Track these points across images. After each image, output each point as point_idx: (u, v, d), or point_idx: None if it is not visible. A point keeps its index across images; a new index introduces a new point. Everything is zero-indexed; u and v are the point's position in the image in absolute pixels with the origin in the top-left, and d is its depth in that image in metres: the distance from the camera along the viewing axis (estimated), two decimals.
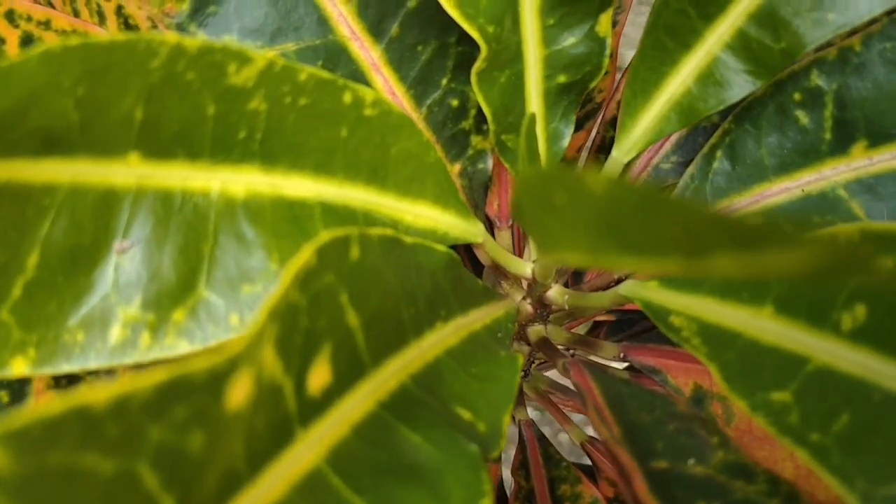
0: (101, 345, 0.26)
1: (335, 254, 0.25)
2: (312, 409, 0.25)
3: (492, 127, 0.37)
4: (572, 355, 0.47)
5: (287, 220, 0.29)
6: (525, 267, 0.40)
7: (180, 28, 0.34)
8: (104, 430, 0.16)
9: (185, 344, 0.27)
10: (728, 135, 0.37)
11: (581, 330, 0.58)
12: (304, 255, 0.23)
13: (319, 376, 0.25)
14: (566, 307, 0.39)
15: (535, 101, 0.38)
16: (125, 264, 0.26)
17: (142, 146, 0.26)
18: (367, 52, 0.37)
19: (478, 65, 0.34)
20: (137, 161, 0.26)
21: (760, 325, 0.30)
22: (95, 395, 0.16)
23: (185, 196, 0.27)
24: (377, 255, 0.28)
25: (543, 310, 0.42)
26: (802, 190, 0.36)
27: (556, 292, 0.40)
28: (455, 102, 0.39)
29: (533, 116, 0.34)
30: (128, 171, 0.26)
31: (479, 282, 0.37)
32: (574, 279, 0.49)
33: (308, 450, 0.24)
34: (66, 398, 0.15)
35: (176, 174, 0.27)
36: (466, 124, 0.40)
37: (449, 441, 0.27)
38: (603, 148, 0.48)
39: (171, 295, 0.27)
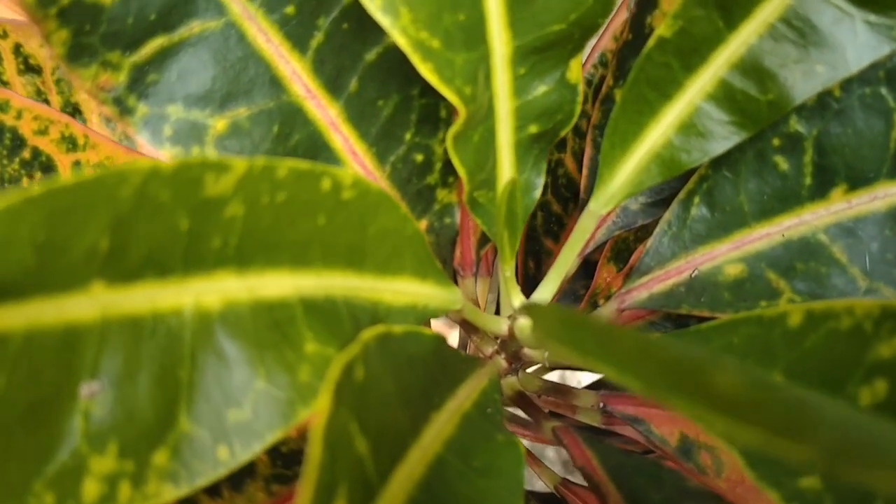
0: None
1: (345, 385, 0.22)
2: None
3: (466, 188, 0.35)
4: (550, 413, 0.46)
5: (269, 328, 0.26)
6: (501, 325, 0.38)
7: (118, 102, 0.30)
8: None
9: (170, 489, 0.24)
10: (705, 181, 0.36)
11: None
12: (324, 403, 0.20)
13: None
14: (546, 363, 0.38)
15: (505, 154, 0.36)
16: (95, 410, 0.23)
17: (106, 274, 0.22)
18: (324, 111, 0.34)
19: (455, 129, 0.32)
20: (101, 290, 0.22)
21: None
22: None
23: (155, 318, 0.24)
24: (377, 364, 0.26)
25: (517, 363, 0.40)
26: (783, 235, 0.36)
27: (533, 352, 0.38)
28: (420, 157, 0.37)
29: (513, 181, 0.32)
30: (91, 303, 0.22)
31: (460, 353, 0.35)
32: None
33: None
34: None
35: (144, 296, 0.24)
36: (432, 179, 0.37)
37: None
38: (568, 188, 0.46)
39: (150, 435, 0.23)
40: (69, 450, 0.22)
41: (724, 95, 0.32)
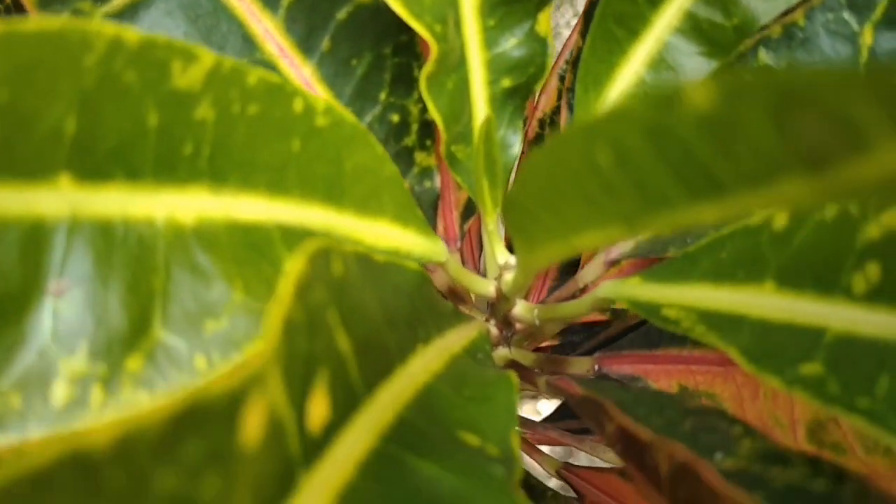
0: (42, 407, 0.21)
1: (322, 267, 0.22)
2: (314, 448, 0.21)
3: (443, 136, 0.34)
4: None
5: (245, 247, 0.26)
6: (488, 285, 0.37)
7: None
8: (106, 479, 0.12)
9: (146, 396, 0.23)
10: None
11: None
12: (298, 263, 0.19)
13: (319, 409, 0.21)
14: (536, 322, 0.37)
15: (481, 108, 0.36)
16: (64, 309, 0.22)
17: (74, 166, 0.22)
18: (298, 70, 0.35)
19: (428, 68, 0.32)
20: (69, 184, 0.22)
21: (764, 303, 0.28)
22: (95, 436, 0.12)
23: (127, 225, 0.23)
24: (357, 273, 0.25)
25: (508, 330, 0.39)
26: None
27: (522, 308, 0.37)
28: (396, 118, 0.37)
29: (489, 119, 0.32)
30: (59, 198, 0.22)
31: (448, 302, 0.34)
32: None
33: (314, 498, 0.20)
34: (60, 441, 0.12)
35: (115, 200, 0.23)
36: (409, 141, 0.37)
37: (468, 467, 0.24)
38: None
39: (123, 340, 0.23)
40: (36, 349, 0.21)
41: (691, 27, 0.33)
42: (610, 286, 0.33)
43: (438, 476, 0.23)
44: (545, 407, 0.99)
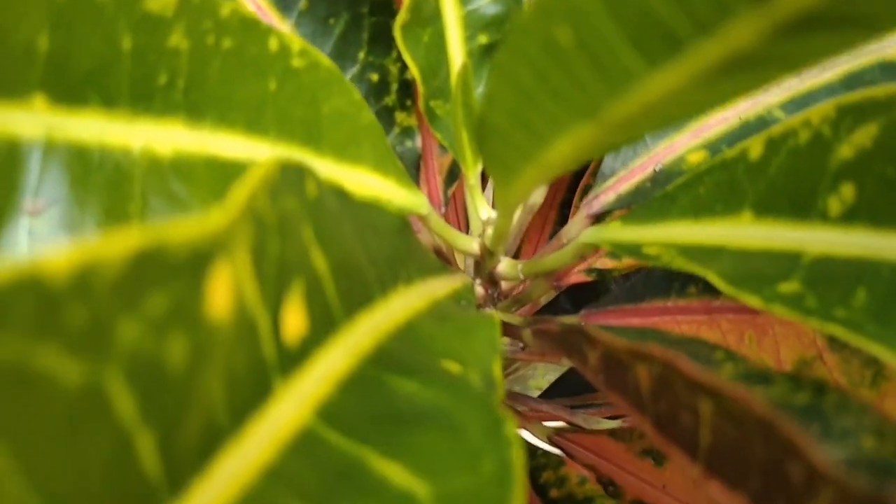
0: None
1: (295, 181, 0.22)
2: (290, 360, 0.21)
3: (421, 91, 0.35)
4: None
5: (223, 181, 0.26)
6: (472, 242, 0.37)
7: None
8: (65, 314, 0.12)
9: None
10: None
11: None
12: (267, 165, 0.19)
13: (294, 321, 0.21)
14: (520, 276, 0.37)
15: (458, 63, 0.36)
16: (40, 228, 0.22)
17: (48, 87, 0.22)
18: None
19: (401, 16, 0.32)
20: (44, 106, 0.22)
21: (743, 233, 0.28)
22: (52, 264, 0.12)
23: (103, 152, 0.23)
24: (334, 202, 0.25)
25: (494, 289, 0.39)
26: (740, 118, 0.36)
27: (506, 265, 0.38)
28: (375, 77, 0.37)
29: (466, 67, 0.32)
30: (34, 120, 0.22)
31: (430, 253, 0.34)
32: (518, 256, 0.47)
33: (293, 406, 0.20)
34: (16, 266, 0.12)
35: (91, 126, 0.23)
36: (389, 100, 0.37)
37: (448, 386, 0.24)
38: None
39: None
40: None
41: None
42: (592, 231, 0.33)
43: (418, 392, 0.23)
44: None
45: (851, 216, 0.26)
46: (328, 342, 0.23)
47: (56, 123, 0.22)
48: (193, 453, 0.17)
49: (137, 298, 0.13)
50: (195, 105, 0.25)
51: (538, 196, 0.42)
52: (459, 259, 0.43)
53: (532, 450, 0.41)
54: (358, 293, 0.25)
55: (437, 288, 0.32)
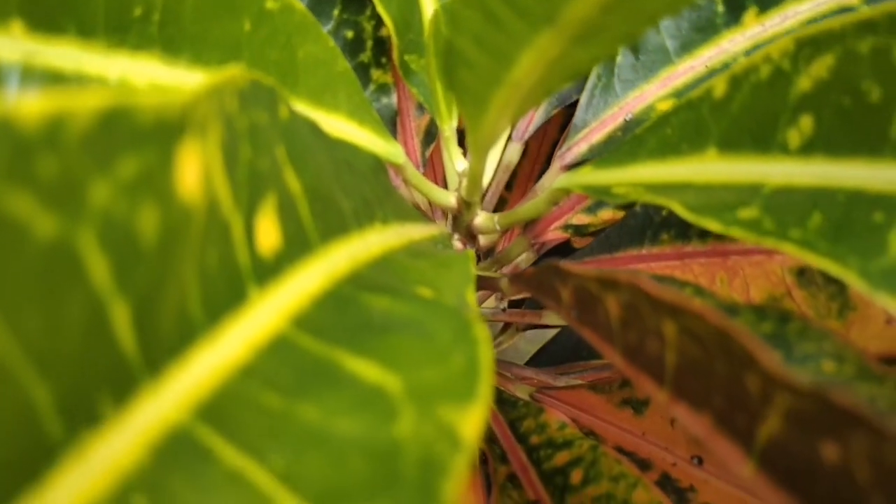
0: None
1: (267, 99, 0.22)
2: (265, 271, 0.21)
3: (395, 44, 0.35)
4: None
5: None
6: (449, 196, 0.38)
7: None
8: (37, 164, 0.13)
9: None
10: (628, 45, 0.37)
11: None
12: (237, 72, 0.20)
13: (268, 233, 0.22)
14: (497, 228, 0.38)
15: (431, 13, 0.37)
16: None
17: (26, 13, 0.22)
18: None
19: None
20: (21, 32, 0.22)
21: (707, 169, 0.29)
22: (24, 111, 0.12)
23: (80, 81, 0.24)
24: (307, 131, 0.26)
25: (472, 244, 0.40)
26: (706, 66, 0.37)
27: (483, 218, 0.38)
28: (350, 34, 0.38)
29: (438, 14, 0.33)
30: (11, 45, 0.22)
31: (406, 201, 0.35)
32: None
33: (267, 314, 0.21)
34: None
35: (68, 55, 0.24)
36: (365, 57, 0.38)
37: (421, 303, 0.24)
38: None
39: None
40: None
41: None
42: (564, 177, 0.34)
43: (391, 307, 0.24)
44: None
45: (810, 147, 0.27)
46: (303, 262, 0.23)
47: (34, 50, 0.23)
48: (168, 339, 0.17)
49: (108, 159, 0.14)
50: (171, 40, 0.26)
51: (513, 153, 0.43)
52: (438, 217, 0.44)
53: (513, 402, 0.41)
54: (333, 222, 0.26)
55: (413, 232, 0.32)
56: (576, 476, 0.35)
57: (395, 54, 0.36)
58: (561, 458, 0.36)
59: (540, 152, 0.54)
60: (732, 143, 0.29)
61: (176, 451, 0.16)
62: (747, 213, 0.26)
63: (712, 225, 0.26)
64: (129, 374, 0.16)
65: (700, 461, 0.37)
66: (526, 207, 0.36)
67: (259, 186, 0.21)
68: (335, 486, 0.16)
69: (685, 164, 0.30)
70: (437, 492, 0.16)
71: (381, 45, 0.38)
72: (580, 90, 0.42)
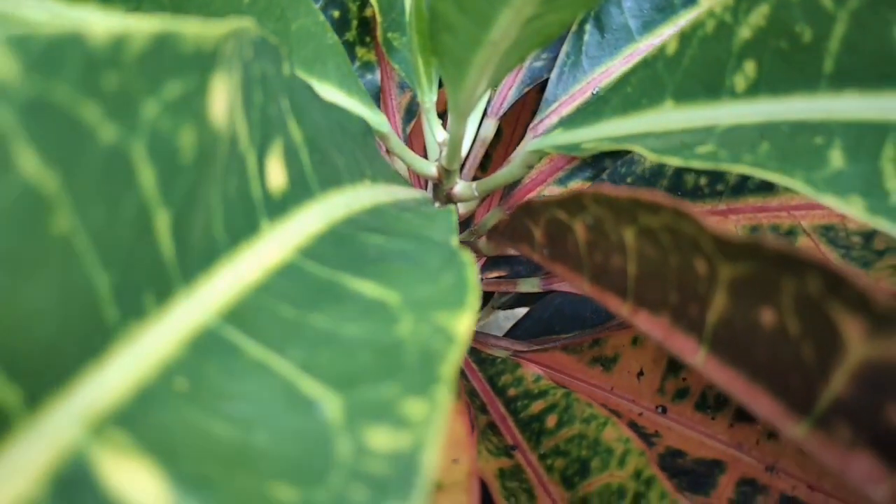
0: None
1: (272, 55, 0.25)
2: (274, 207, 0.24)
3: (379, 20, 0.38)
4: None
5: None
6: (430, 166, 0.41)
7: None
8: (102, 76, 0.15)
9: None
10: (592, 8, 0.40)
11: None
12: (249, 25, 0.22)
13: (276, 174, 0.24)
14: (475, 194, 0.40)
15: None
16: None
17: None
18: None
19: None
20: None
21: (665, 118, 0.32)
22: (93, 26, 0.15)
23: None
24: (304, 88, 0.28)
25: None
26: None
27: (462, 186, 0.41)
28: (336, 14, 0.40)
29: None
30: (39, 5, 0.25)
31: (391, 166, 0.37)
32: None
33: (277, 245, 0.23)
34: (64, 24, 0.15)
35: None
36: (350, 36, 0.41)
37: (411, 239, 0.27)
38: None
39: None
40: None
41: None
42: (536, 141, 0.37)
43: (385, 243, 0.26)
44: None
45: (755, 89, 0.30)
46: (304, 205, 0.26)
47: (59, 12, 0.25)
48: (198, 253, 0.20)
49: (157, 79, 0.16)
50: (179, 7, 0.28)
51: (489, 129, 0.46)
52: (419, 187, 0.46)
53: (492, 360, 0.44)
54: (329, 174, 0.28)
55: (399, 192, 0.35)
56: (550, 421, 0.38)
57: (378, 32, 0.38)
58: (537, 406, 0.39)
59: (514, 134, 0.57)
60: (686, 94, 0.32)
61: (207, 346, 0.19)
62: (704, 149, 0.29)
63: (673, 161, 0.29)
64: (167, 277, 0.18)
65: (664, 410, 0.40)
66: (503, 173, 0.39)
67: (269, 130, 0.24)
68: (348, 373, 0.19)
69: (645, 116, 0.33)
70: (437, 373, 0.18)
71: (366, 25, 0.41)
72: (550, 69, 0.45)
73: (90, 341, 0.16)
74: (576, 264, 0.29)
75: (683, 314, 0.24)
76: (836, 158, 0.27)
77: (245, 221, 0.22)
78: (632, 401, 0.42)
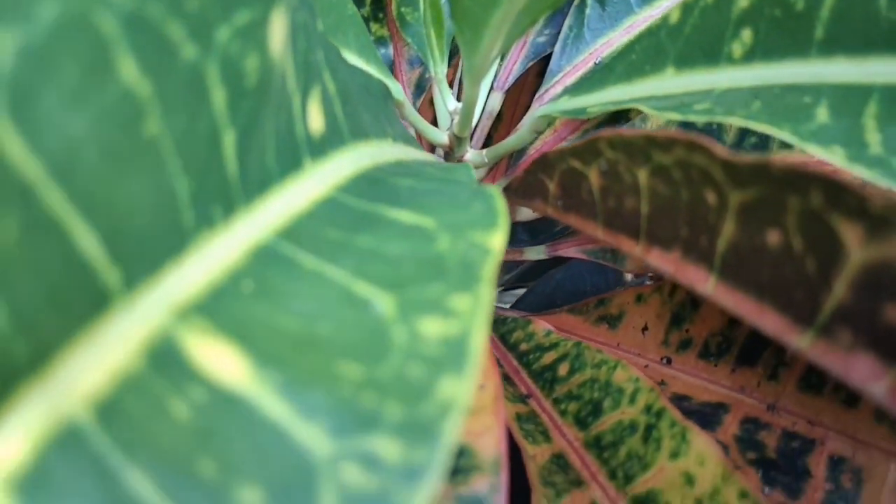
0: None
1: (307, 10, 0.27)
2: (314, 148, 0.26)
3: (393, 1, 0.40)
4: None
5: None
6: (441, 134, 0.43)
7: None
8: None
9: None
10: None
11: None
12: None
13: (315, 118, 0.26)
14: (485, 160, 0.42)
15: None
16: None
17: None
18: None
19: None
20: None
21: (666, 84, 0.34)
22: None
23: None
24: (333, 47, 0.30)
25: None
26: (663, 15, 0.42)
27: (472, 154, 0.43)
28: None
29: None
30: None
31: (407, 130, 0.39)
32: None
33: (317, 180, 0.25)
34: None
35: None
36: (365, 12, 0.43)
37: (437, 181, 0.29)
38: None
39: None
40: None
41: None
42: (543, 107, 0.39)
43: (415, 185, 0.28)
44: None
45: (750, 55, 0.32)
46: (338, 151, 0.28)
47: None
48: (256, 176, 0.22)
49: (229, 7, 0.18)
50: None
51: (496, 101, 0.48)
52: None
53: (503, 319, 0.46)
54: (357, 127, 0.30)
55: (417, 154, 0.37)
56: (562, 369, 0.39)
57: (392, 7, 0.40)
58: (548, 357, 0.41)
59: (514, 116, 0.59)
60: (687, 60, 0.34)
61: (268, 257, 0.20)
62: (701, 106, 0.31)
63: (673, 116, 0.31)
64: (231, 194, 0.20)
65: (669, 361, 0.42)
66: (512, 139, 0.41)
67: (310, 75, 0.25)
68: (396, 278, 0.21)
69: (648, 82, 0.35)
70: (478, 274, 0.20)
71: (380, 2, 0.43)
72: (553, 44, 0.47)
73: (171, 240, 0.18)
74: (590, 212, 0.31)
75: (694, 246, 0.26)
76: (822, 115, 0.29)
77: (291, 156, 0.24)
78: (637, 354, 0.44)
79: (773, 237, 0.21)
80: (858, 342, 0.20)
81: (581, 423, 0.36)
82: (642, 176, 0.27)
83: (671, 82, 0.34)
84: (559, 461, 0.35)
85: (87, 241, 0.15)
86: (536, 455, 0.35)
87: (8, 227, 0.14)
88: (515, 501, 0.27)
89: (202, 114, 0.18)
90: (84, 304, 0.15)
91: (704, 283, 0.25)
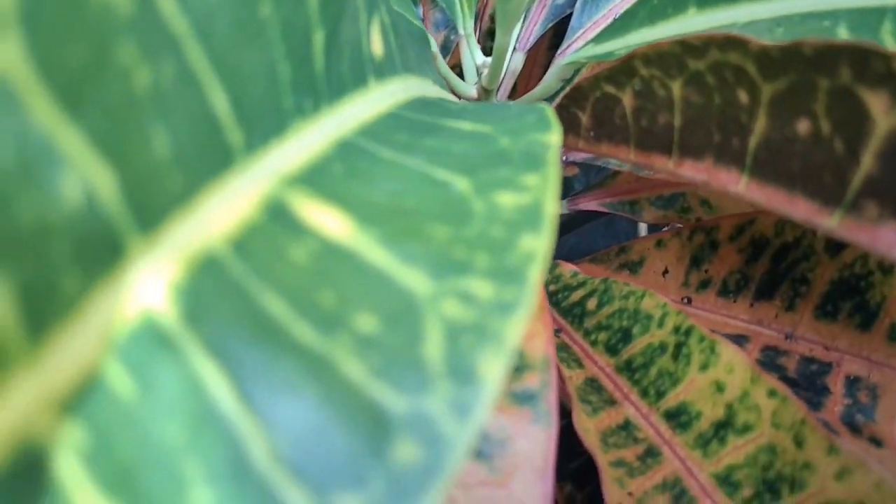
0: None
1: None
2: (377, 68, 0.28)
3: None
4: None
5: None
6: (469, 88, 0.45)
7: None
8: None
9: None
10: None
11: None
12: None
13: (377, 43, 0.28)
14: None
15: None
16: None
17: None
18: None
19: None
20: None
21: (689, 23, 0.36)
22: None
23: None
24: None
25: None
26: None
27: None
28: None
29: None
30: None
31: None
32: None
33: (378, 99, 0.27)
34: None
35: None
36: None
37: (487, 106, 0.31)
38: None
39: None
40: None
41: None
42: (570, 55, 0.41)
43: (466, 106, 0.30)
44: None
45: None
46: (394, 78, 0.30)
47: None
48: (336, 79, 0.23)
49: None
50: None
51: (518, 61, 0.50)
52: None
53: None
54: (406, 61, 0.32)
55: (451, 97, 0.39)
56: (591, 304, 0.41)
57: None
58: (576, 295, 0.43)
59: (527, 87, 0.61)
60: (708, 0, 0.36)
61: (351, 148, 0.22)
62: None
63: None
64: (318, 90, 0.22)
65: (689, 301, 0.44)
66: (539, 89, 0.43)
67: (371, 8, 0.27)
68: (468, 166, 0.23)
69: (671, 23, 0.37)
70: (543, 158, 0.22)
71: None
72: (571, 6, 0.49)
73: (276, 119, 0.20)
74: (622, 136, 0.33)
75: (726, 149, 0.28)
76: (843, 33, 0.31)
77: (360, 71, 0.26)
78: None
79: (802, 126, 0.23)
80: (885, 212, 0.22)
81: (611, 350, 0.38)
82: (676, 88, 0.29)
83: (694, 20, 0.36)
84: (593, 384, 0.37)
85: (219, 98, 0.17)
86: (572, 377, 0.37)
87: (165, 71, 0.16)
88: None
89: (301, 8, 0.20)
90: (215, 156, 0.17)
91: (737, 183, 0.27)
